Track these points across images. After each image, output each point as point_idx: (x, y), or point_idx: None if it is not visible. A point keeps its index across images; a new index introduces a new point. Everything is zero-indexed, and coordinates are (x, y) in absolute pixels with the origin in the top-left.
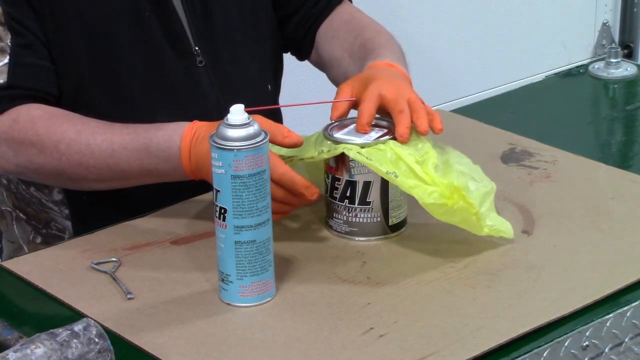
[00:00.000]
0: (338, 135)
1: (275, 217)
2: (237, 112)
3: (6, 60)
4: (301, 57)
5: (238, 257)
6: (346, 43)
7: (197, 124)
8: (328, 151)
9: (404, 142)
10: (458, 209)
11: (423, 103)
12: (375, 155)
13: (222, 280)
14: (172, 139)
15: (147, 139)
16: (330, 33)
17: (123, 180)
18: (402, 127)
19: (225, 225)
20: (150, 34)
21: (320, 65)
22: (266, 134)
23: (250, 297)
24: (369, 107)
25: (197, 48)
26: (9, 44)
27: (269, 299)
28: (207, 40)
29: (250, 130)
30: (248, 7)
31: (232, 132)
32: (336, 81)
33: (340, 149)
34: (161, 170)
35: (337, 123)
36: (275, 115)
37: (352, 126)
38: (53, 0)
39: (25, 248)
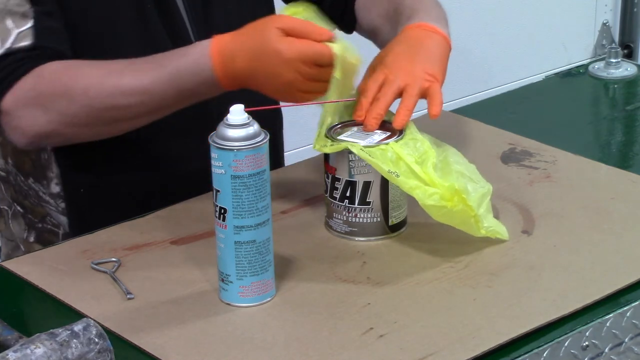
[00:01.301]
0: (341, 137)
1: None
2: (236, 112)
3: (30, 24)
4: (348, 31)
5: (238, 257)
6: (383, 10)
7: (219, 41)
8: (331, 145)
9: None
10: (458, 212)
11: (424, 87)
12: (377, 154)
13: (222, 280)
14: (201, 63)
15: (175, 69)
16: (367, 4)
17: (160, 112)
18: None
19: (225, 225)
20: (152, 30)
21: (367, 36)
22: (266, 134)
23: (250, 297)
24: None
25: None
26: (31, 9)
27: (269, 299)
28: (207, 35)
29: (250, 130)
30: (247, 5)
31: (232, 132)
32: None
33: (343, 145)
34: (199, 91)
35: (339, 125)
36: (275, 115)
37: (355, 128)
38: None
39: (21, 246)
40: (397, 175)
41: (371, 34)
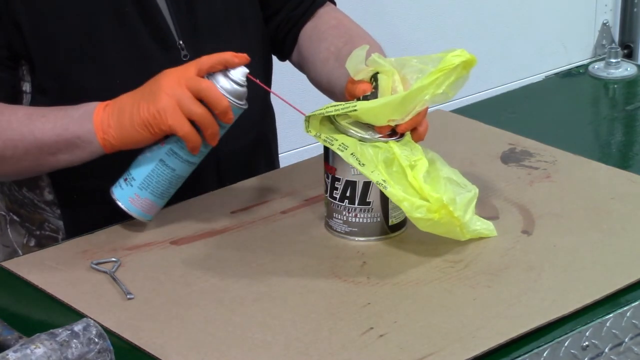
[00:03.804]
0: (343, 122)
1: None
2: (239, 71)
3: None
4: (282, 57)
5: (154, 172)
6: (333, 47)
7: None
8: (324, 140)
9: (419, 140)
10: (444, 223)
11: None
12: (369, 156)
13: (125, 180)
14: (88, 104)
15: (65, 108)
16: (316, 36)
17: (38, 154)
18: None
19: (164, 143)
20: (133, 29)
21: (302, 65)
22: (245, 105)
23: (135, 207)
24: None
25: (181, 42)
26: None
27: (146, 220)
28: (191, 33)
29: (239, 89)
30: (233, 1)
31: (223, 82)
32: (318, 82)
33: (335, 146)
34: (72, 131)
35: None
36: (264, 116)
37: None
38: (32, 3)
39: (20, 252)
40: (385, 187)
41: (310, 65)
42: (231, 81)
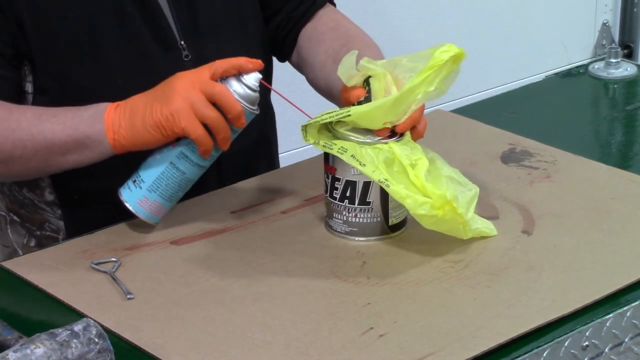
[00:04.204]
0: (342, 130)
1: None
2: (252, 77)
3: None
4: (281, 58)
5: (164, 174)
6: (331, 49)
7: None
8: (323, 146)
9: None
10: (448, 220)
11: None
12: (369, 157)
13: (134, 182)
14: (98, 105)
15: (75, 108)
16: (315, 38)
17: (47, 154)
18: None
19: (175, 146)
20: (134, 29)
21: (301, 67)
22: (257, 110)
23: (143, 210)
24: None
25: (182, 42)
26: None
27: (153, 222)
28: (193, 33)
29: (251, 94)
30: (234, 1)
31: (236, 86)
32: (316, 85)
33: (335, 150)
34: (82, 131)
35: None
36: (264, 116)
37: None
38: (34, 2)
39: (20, 252)
40: (388, 186)
41: (309, 67)
42: (244, 86)
